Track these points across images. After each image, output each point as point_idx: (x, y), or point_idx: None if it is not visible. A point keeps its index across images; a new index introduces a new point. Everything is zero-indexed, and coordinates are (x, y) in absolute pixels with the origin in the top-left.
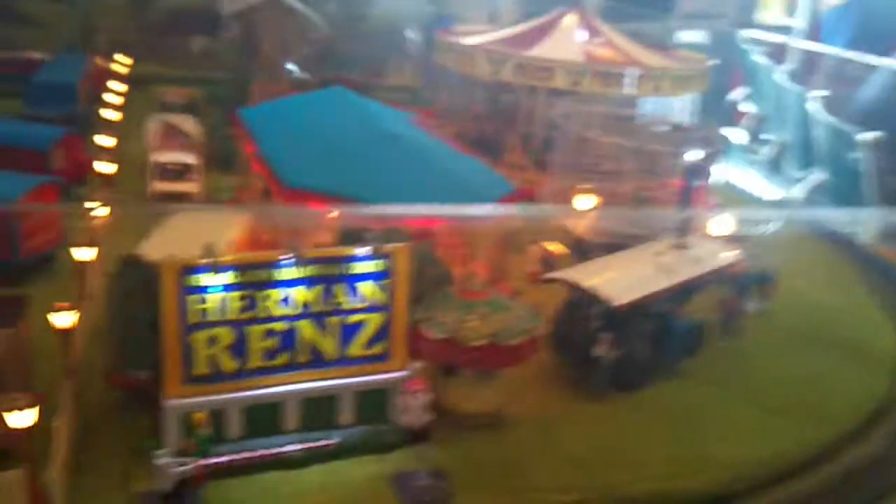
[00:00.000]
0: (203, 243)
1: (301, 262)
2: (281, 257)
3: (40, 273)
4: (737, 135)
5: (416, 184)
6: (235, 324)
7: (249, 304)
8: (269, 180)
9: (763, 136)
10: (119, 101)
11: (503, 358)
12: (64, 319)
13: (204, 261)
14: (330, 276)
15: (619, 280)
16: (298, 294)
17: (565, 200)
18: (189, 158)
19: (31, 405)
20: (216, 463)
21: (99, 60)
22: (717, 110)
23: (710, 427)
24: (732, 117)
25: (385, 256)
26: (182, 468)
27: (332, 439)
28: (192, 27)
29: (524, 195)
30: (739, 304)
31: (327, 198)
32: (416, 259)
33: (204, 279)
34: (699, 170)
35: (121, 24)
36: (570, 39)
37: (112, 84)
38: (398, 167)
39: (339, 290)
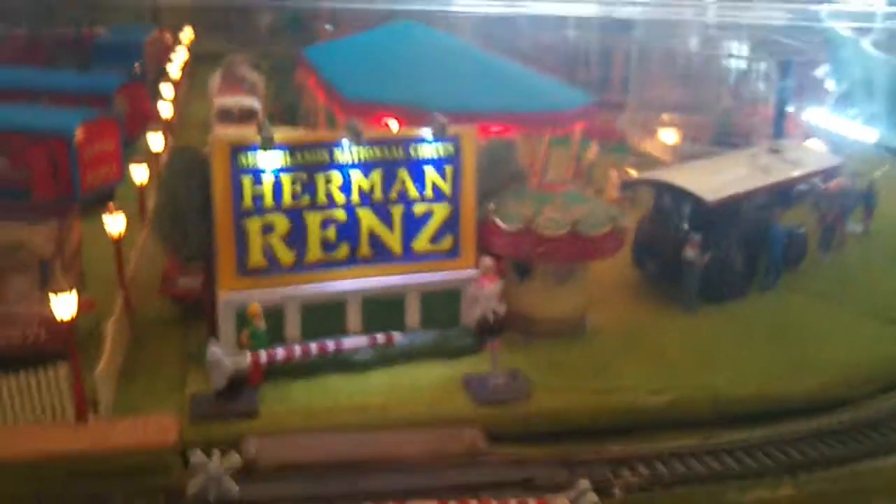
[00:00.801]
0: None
1: (361, 143)
2: (340, 137)
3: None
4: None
5: (492, 91)
6: (292, 210)
7: (306, 188)
8: (331, 102)
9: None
10: (183, 65)
11: (585, 249)
12: (116, 224)
13: (257, 139)
14: (392, 160)
15: (712, 179)
16: (359, 179)
17: (648, 133)
18: (252, 102)
19: (72, 289)
20: (273, 360)
21: (165, 32)
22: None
23: (812, 333)
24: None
25: (450, 140)
26: (236, 361)
27: (398, 342)
28: (258, 4)
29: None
30: (841, 221)
31: (392, 109)
32: (489, 155)
33: (257, 159)
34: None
35: (188, 2)
36: None
37: (177, 52)
38: (471, 78)
39: (402, 175)
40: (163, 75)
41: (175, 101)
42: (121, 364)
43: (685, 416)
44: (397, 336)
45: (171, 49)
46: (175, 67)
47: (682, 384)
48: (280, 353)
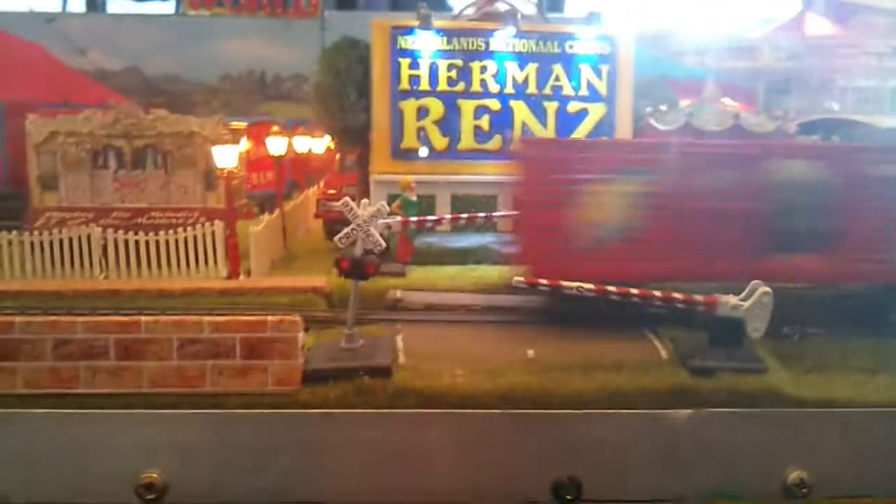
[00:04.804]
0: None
1: (517, 34)
2: (497, 27)
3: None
4: None
5: None
6: (447, 96)
7: (461, 75)
8: None
9: None
10: None
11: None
12: (278, 146)
13: (415, 22)
14: (547, 54)
15: None
16: (513, 70)
17: None
18: None
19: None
20: (423, 226)
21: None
22: None
23: None
24: None
25: (606, 39)
26: (386, 221)
27: None
28: None
29: None
30: None
31: None
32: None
33: (415, 41)
34: None
35: None
36: None
37: None
38: None
39: (557, 70)
40: None
41: None
42: (273, 259)
43: None
44: None
45: None
46: None
47: None
48: (431, 218)
